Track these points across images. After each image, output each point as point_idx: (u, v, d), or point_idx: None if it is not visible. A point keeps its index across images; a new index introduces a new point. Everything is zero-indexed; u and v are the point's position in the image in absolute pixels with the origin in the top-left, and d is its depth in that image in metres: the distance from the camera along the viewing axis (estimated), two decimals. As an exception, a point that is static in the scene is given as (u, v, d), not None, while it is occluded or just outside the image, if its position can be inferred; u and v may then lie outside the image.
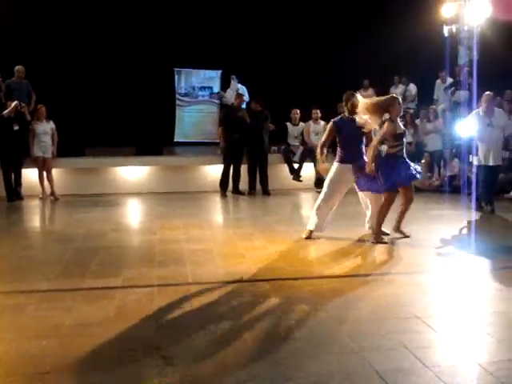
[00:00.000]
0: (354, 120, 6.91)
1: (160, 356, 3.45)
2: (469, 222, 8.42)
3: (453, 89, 13.79)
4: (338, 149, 7.20)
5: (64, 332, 3.90)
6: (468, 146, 9.38)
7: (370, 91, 15.29)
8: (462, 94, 13.51)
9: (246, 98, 14.01)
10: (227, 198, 11.67)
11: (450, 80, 14.28)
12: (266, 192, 12.11)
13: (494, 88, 11.60)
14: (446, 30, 14.21)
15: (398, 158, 6.77)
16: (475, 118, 9.23)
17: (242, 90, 14.37)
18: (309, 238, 7.01)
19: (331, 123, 7.21)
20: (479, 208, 9.19)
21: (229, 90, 15.18)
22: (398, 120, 6.85)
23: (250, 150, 12.22)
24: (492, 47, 13.03)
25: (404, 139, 6.90)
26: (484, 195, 9.23)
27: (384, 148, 7.17)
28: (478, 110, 9.30)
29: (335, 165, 7.14)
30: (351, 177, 7.07)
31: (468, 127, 9.13)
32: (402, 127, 6.91)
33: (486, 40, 13.20)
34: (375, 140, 6.81)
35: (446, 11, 14.19)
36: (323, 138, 7.30)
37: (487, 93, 9.50)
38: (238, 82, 14.45)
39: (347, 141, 7.07)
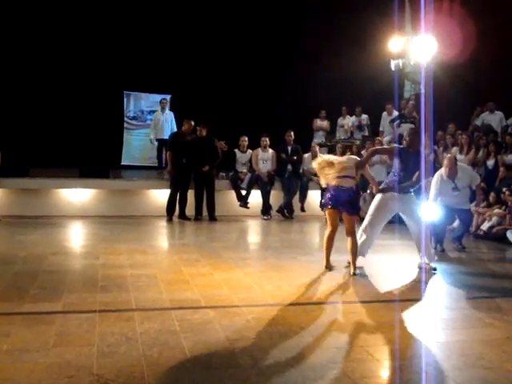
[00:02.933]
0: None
1: (100, 383, 3.37)
2: (415, 252, 8.52)
3: (398, 121, 14.08)
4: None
5: (1, 357, 3.78)
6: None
7: (326, 122, 15.54)
8: (407, 128, 13.80)
9: (174, 126, 14.11)
10: (173, 223, 11.60)
11: (395, 113, 14.60)
12: (212, 218, 12.08)
13: (438, 122, 11.95)
14: (393, 64, 14.56)
15: None
16: (439, 183, 8.94)
17: (170, 116, 14.28)
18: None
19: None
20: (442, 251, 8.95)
21: (159, 115, 14.59)
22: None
23: (197, 176, 12.21)
24: (438, 82, 13.39)
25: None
26: (440, 238, 8.97)
27: None
28: (442, 174, 9.05)
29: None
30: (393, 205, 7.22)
31: (433, 211, 8.76)
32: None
33: (433, 75, 13.57)
34: None
35: (393, 46, 14.56)
36: None
37: (449, 156, 9.34)
38: (170, 108, 14.36)
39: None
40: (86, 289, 5.70)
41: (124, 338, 4.21)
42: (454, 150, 12.14)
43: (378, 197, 7.27)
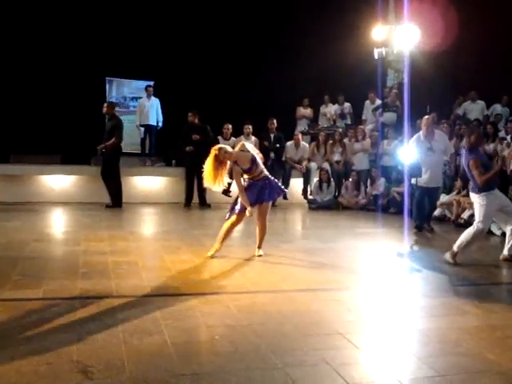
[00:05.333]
0: None
1: (79, 370, 3.37)
2: (396, 240, 8.61)
3: (381, 110, 14.13)
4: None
5: (-20, 344, 3.77)
6: (411, 168, 9.36)
7: (309, 110, 15.53)
8: (389, 116, 13.87)
9: (160, 113, 14.26)
10: (155, 210, 11.58)
11: (378, 101, 14.64)
12: (204, 204, 12.15)
13: (420, 111, 12.00)
14: (376, 53, 14.57)
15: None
16: (416, 143, 9.26)
17: (156, 102, 14.32)
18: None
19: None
20: (420, 228, 9.31)
21: (144, 101, 14.78)
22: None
23: (191, 164, 12.22)
24: (420, 71, 13.45)
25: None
26: (420, 216, 9.34)
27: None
28: (419, 134, 9.32)
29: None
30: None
31: (410, 152, 9.15)
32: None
33: (415, 63, 13.62)
34: None
35: (376, 34, 14.57)
36: None
37: (426, 117, 9.62)
38: (153, 95, 14.42)
39: None
40: (66, 276, 5.68)
41: (104, 324, 4.20)
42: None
43: None
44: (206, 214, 11.50)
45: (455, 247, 6.86)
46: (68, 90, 15.66)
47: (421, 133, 9.28)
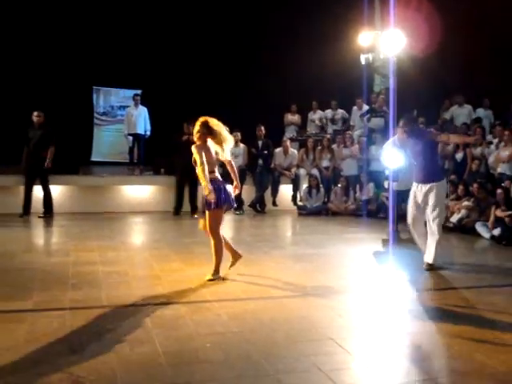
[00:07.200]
0: None
1: (71, 381, 3.36)
2: (383, 245, 8.63)
3: (368, 115, 14.16)
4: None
5: (-30, 357, 3.75)
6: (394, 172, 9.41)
7: (297, 116, 15.55)
8: (377, 121, 13.90)
9: (148, 121, 14.14)
10: (145, 219, 11.55)
11: (366, 107, 14.68)
12: (195, 211, 12.03)
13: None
14: (362, 59, 14.61)
15: None
16: (391, 147, 9.31)
17: (144, 111, 14.18)
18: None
19: None
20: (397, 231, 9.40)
21: (131, 110, 14.37)
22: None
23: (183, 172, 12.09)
24: (407, 76, 13.50)
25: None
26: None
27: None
28: (394, 139, 9.36)
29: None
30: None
31: (395, 157, 9.11)
32: None
33: (402, 69, 13.68)
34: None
35: (362, 40, 14.61)
36: None
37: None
38: (141, 103, 14.28)
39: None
40: (56, 286, 5.66)
41: (95, 334, 4.20)
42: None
43: None
44: (195, 221, 11.46)
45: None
46: (54, 100, 15.60)
47: (396, 138, 9.29)
